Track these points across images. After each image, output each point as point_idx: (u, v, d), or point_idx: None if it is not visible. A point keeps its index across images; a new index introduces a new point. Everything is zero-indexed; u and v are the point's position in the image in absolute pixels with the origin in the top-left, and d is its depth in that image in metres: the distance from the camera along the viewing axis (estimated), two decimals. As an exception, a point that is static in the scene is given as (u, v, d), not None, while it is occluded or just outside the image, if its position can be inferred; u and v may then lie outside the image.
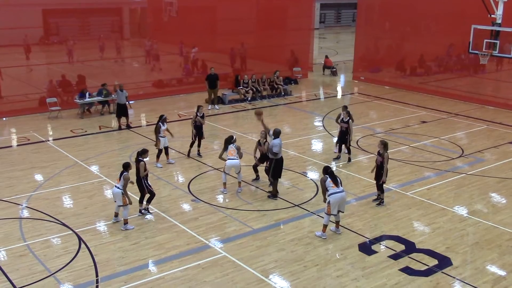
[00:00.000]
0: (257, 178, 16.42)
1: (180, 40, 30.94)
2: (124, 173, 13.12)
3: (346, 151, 18.20)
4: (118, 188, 13.15)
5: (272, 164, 15.00)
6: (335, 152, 18.75)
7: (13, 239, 12.76)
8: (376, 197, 15.04)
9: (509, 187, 16.36)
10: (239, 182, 15.73)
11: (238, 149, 15.62)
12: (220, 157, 15.84)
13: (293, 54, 33.17)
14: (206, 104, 25.54)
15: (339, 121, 18.06)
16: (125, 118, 21.85)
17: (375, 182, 14.91)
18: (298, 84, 31.27)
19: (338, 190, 12.81)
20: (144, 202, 14.07)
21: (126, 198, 13.14)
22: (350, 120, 17.77)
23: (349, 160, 18.15)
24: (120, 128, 21.75)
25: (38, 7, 28.63)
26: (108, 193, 15.32)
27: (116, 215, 13.62)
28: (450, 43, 30.70)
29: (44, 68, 29.39)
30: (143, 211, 14.06)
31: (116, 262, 11.81)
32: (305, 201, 15.00)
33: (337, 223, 13.30)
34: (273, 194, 15.24)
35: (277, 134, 15.08)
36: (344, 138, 17.98)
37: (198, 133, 18.43)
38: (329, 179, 12.83)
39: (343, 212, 13.26)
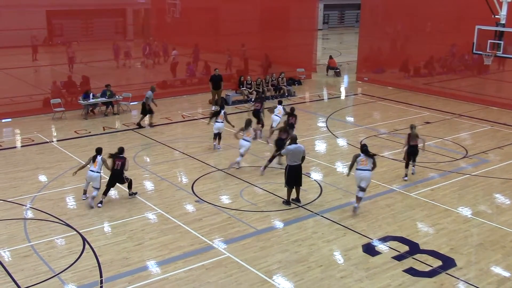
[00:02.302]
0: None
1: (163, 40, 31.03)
2: (99, 156, 14.58)
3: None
4: (95, 172, 14.49)
5: (286, 170, 14.73)
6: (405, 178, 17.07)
7: (17, 239, 12.80)
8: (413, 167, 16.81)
9: (513, 188, 16.35)
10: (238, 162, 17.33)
11: (254, 130, 18.11)
12: (236, 135, 17.38)
13: (267, 59, 31.97)
14: (210, 105, 25.56)
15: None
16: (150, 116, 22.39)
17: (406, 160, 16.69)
18: (302, 85, 31.27)
19: (362, 168, 13.93)
20: (127, 189, 15.23)
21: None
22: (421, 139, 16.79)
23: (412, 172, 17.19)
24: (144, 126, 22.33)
25: (42, 8, 28.74)
26: (113, 194, 15.35)
27: (85, 192, 15.00)
28: (452, 43, 30.69)
29: (48, 69, 29.51)
30: (131, 195, 15.22)
31: (120, 262, 11.83)
32: (308, 202, 14.99)
33: (357, 198, 14.20)
34: (285, 201, 14.88)
35: (293, 140, 14.71)
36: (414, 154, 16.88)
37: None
38: (361, 156, 13.92)
39: (363, 190, 14.03)
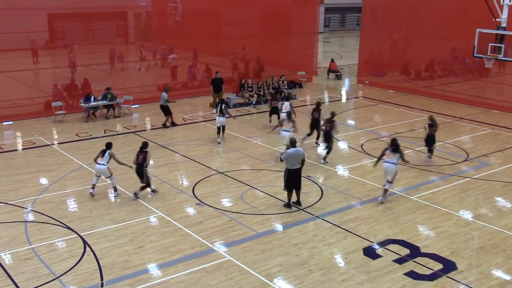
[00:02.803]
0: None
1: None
2: (108, 151, 15.23)
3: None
4: (101, 164, 15.22)
5: (285, 174, 14.67)
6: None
7: (18, 242, 12.81)
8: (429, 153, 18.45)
9: (514, 191, 16.34)
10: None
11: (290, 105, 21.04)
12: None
13: (259, 62, 31.86)
14: (211, 108, 25.57)
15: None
16: (168, 116, 22.72)
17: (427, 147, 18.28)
18: (303, 88, 31.28)
19: (388, 160, 14.99)
20: (139, 189, 15.36)
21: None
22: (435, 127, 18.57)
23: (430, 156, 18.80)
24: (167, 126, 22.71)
25: (44, 11, 28.79)
26: (113, 197, 15.38)
27: (93, 186, 15.47)
28: (453, 47, 30.71)
29: (50, 72, 29.54)
30: (134, 195, 15.35)
31: (121, 265, 11.83)
32: (309, 205, 14.99)
33: (384, 191, 15.18)
34: (286, 204, 14.86)
35: (292, 143, 14.71)
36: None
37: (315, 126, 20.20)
38: (389, 150, 15.00)
39: (390, 182, 14.98)
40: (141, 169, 15.11)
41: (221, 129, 20.50)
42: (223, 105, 20.44)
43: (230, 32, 32.59)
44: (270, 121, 22.67)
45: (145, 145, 15.42)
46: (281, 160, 14.88)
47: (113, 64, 30.12)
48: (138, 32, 34.99)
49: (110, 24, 32.93)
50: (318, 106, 20.14)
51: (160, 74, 30.82)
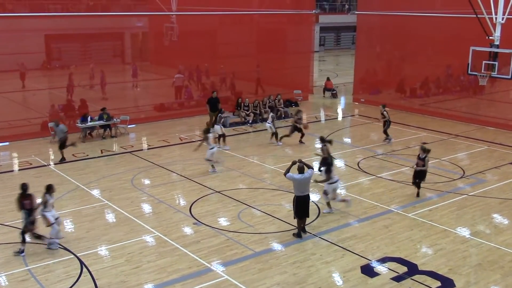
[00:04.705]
0: None
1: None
2: (45, 195, 13.41)
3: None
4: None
5: (294, 202, 14.17)
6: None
7: (14, 263, 12.74)
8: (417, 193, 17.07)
9: (511, 207, 16.35)
10: None
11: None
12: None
13: (258, 83, 32.33)
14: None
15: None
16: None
17: (414, 183, 17.00)
18: (299, 107, 31.38)
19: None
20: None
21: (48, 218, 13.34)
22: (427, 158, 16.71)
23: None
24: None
25: (41, 32, 28.98)
26: (110, 217, 15.35)
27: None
28: (447, 64, 30.96)
29: (46, 92, 29.61)
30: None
31: (117, 286, 11.77)
32: (306, 224, 14.94)
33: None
34: (297, 234, 14.25)
35: (299, 170, 14.04)
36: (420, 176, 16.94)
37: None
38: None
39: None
40: (32, 216, 13.08)
41: (222, 139, 21.99)
42: (219, 114, 22.06)
43: (226, 52, 32.81)
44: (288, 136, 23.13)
45: (24, 188, 13.30)
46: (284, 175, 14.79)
47: (112, 84, 29.99)
48: (134, 52, 35.22)
49: (106, 45, 33.17)
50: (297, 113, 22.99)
51: (157, 94, 30.96)
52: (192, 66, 31.68)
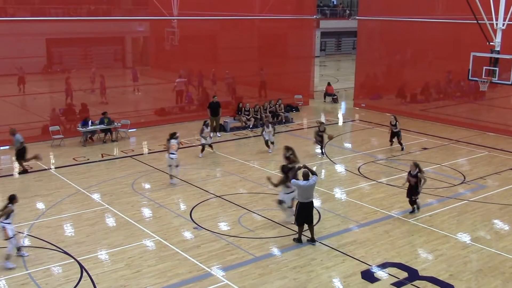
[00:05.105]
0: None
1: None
2: (9, 205, 12.89)
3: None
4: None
5: (297, 208, 14.06)
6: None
7: (15, 268, 12.71)
8: (412, 209, 16.17)
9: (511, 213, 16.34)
10: None
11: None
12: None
13: (262, 86, 32.81)
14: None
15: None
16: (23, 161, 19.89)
17: (408, 199, 16.14)
18: (299, 112, 31.44)
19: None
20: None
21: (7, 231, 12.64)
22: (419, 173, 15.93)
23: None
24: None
25: (42, 36, 29.02)
26: (110, 221, 15.35)
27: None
28: (448, 70, 30.99)
29: (47, 96, 29.65)
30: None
31: (118, 290, 11.76)
32: (307, 229, 14.93)
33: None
34: (297, 239, 14.16)
35: (304, 176, 13.92)
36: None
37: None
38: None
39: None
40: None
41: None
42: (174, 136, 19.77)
43: (227, 56, 32.84)
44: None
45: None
46: (276, 186, 14.98)
47: (104, 90, 29.82)
48: (135, 57, 35.27)
49: (107, 49, 33.21)
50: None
51: (158, 98, 30.98)
52: (194, 71, 31.67)
